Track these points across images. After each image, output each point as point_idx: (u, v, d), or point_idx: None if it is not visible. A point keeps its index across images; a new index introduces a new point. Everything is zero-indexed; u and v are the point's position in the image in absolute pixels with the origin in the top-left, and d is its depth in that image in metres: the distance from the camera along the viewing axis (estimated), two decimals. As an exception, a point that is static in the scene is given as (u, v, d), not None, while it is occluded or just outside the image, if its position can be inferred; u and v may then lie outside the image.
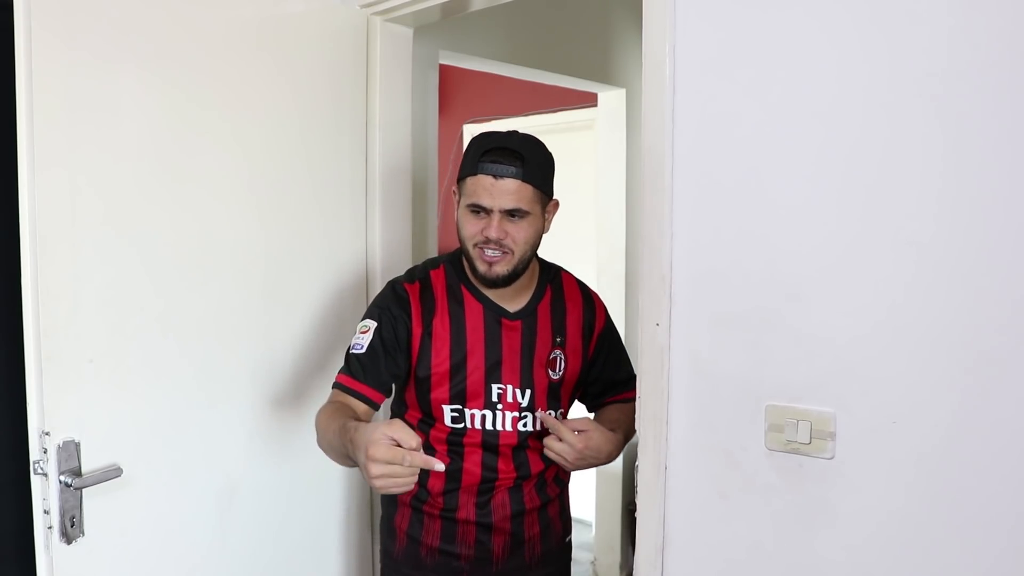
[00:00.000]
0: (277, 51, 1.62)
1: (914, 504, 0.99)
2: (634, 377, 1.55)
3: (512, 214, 1.33)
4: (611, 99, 2.98)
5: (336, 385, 1.40)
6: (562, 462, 1.38)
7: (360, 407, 1.36)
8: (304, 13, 1.67)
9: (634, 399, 1.52)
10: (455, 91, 3.64)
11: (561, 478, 1.56)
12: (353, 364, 1.39)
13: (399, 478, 1.08)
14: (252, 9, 1.58)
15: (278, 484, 1.66)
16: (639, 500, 1.25)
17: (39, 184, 1.25)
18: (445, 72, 2.40)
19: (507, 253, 1.35)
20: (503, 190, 1.31)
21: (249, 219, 1.59)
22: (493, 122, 3.72)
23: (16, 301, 1.26)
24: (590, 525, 3.35)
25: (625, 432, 1.44)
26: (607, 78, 2.88)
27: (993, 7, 0.92)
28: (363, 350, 1.38)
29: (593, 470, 3.11)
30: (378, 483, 1.08)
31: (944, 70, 0.95)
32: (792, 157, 1.07)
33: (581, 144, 3.47)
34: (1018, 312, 0.91)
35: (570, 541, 1.61)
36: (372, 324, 1.40)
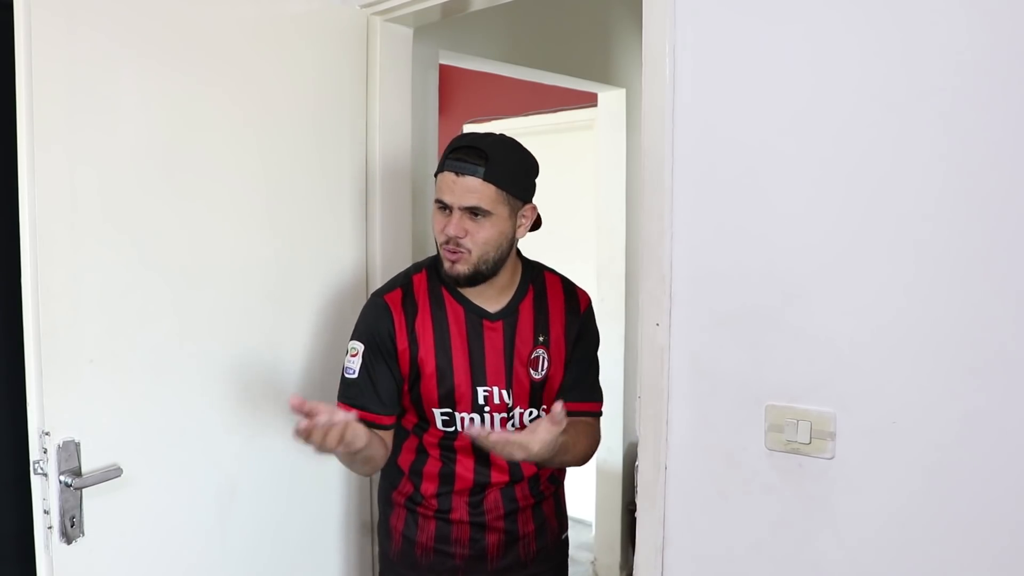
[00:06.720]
0: (277, 50, 1.62)
1: (914, 504, 0.99)
2: (598, 390, 1.53)
3: (474, 212, 1.33)
4: (611, 99, 2.98)
5: None
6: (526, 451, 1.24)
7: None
8: (304, 13, 1.67)
9: (589, 414, 1.49)
10: (455, 91, 3.64)
11: (556, 476, 1.56)
12: (350, 390, 1.41)
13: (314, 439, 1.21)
14: (252, 8, 1.57)
15: (278, 484, 1.66)
16: (639, 500, 1.25)
17: (39, 184, 1.25)
18: (445, 72, 2.40)
19: (464, 252, 1.34)
20: (464, 187, 1.32)
21: (248, 219, 1.59)
22: (493, 122, 3.72)
23: (16, 301, 1.26)
24: (590, 525, 3.35)
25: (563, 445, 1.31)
26: (607, 78, 2.88)
27: (997, 9, 0.92)
28: (355, 375, 1.40)
29: (593, 471, 3.13)
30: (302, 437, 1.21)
31: (951, 71, 0.95)
32: (792, 157, 1.07)
33: (581, 144, 3.47)
34: (1019, 312, 0.91)
35: (567, 538, 1.61)
36: (360, 347, 1.41)
